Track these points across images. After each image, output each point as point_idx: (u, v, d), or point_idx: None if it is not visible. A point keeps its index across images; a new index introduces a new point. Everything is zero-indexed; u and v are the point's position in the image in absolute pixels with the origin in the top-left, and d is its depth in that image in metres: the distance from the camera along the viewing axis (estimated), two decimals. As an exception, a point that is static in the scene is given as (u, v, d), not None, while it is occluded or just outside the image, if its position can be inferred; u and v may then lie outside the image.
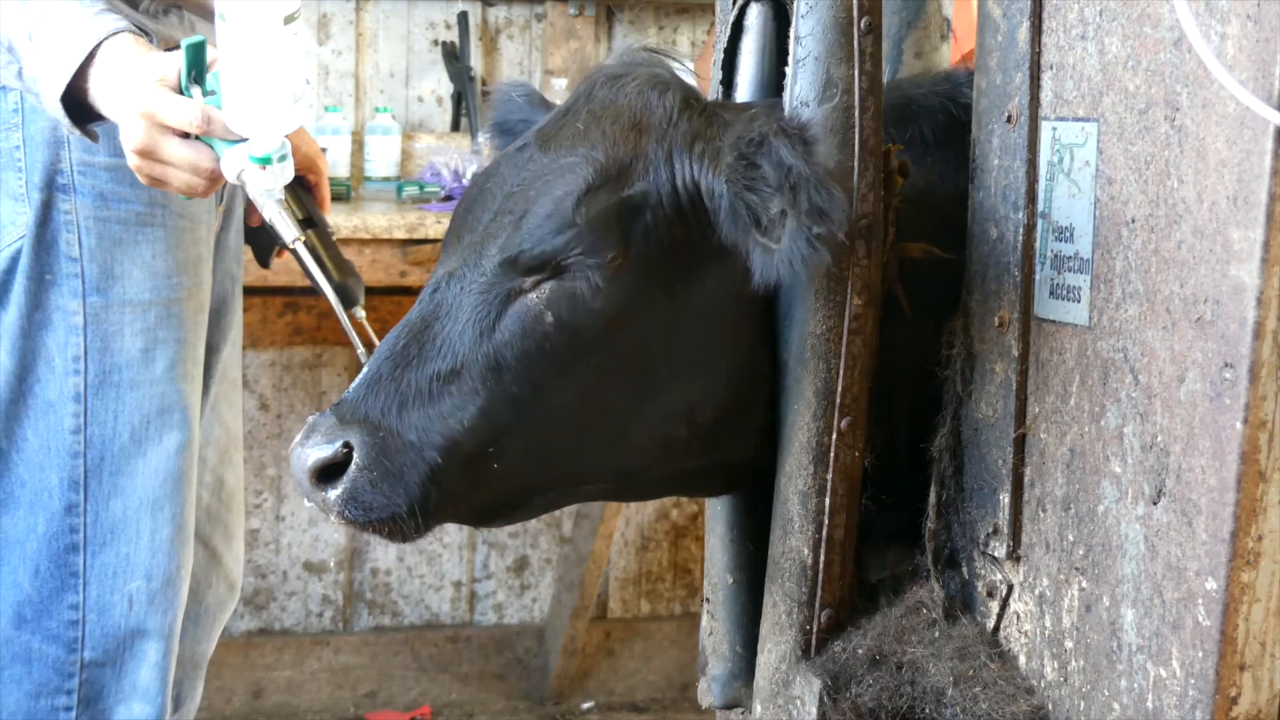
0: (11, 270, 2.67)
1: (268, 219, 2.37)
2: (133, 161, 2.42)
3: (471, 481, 1.78)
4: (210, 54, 2.32)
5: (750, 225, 1.75)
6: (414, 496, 1.74)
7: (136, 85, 2.37)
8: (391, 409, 1.75)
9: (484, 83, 4.95)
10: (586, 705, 4.94)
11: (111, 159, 2.60)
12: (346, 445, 1.73)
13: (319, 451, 1.73)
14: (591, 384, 1.79)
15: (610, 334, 1.78)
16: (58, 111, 2.46)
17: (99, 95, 2.43)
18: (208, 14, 2.81)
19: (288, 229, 2.39)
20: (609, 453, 1.84)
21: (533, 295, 1.78)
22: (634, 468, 1.87)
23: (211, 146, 2.33)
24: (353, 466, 1.73)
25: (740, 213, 1.76)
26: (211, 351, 3.01)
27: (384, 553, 4.90)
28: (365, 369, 1.80)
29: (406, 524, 1.74)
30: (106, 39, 2.43)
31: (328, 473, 1.74)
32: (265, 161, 2.29)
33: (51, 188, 2.65)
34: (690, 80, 1.93)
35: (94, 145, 2.58)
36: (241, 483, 3.22)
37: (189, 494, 2.87)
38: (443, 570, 4.97)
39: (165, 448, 2.81)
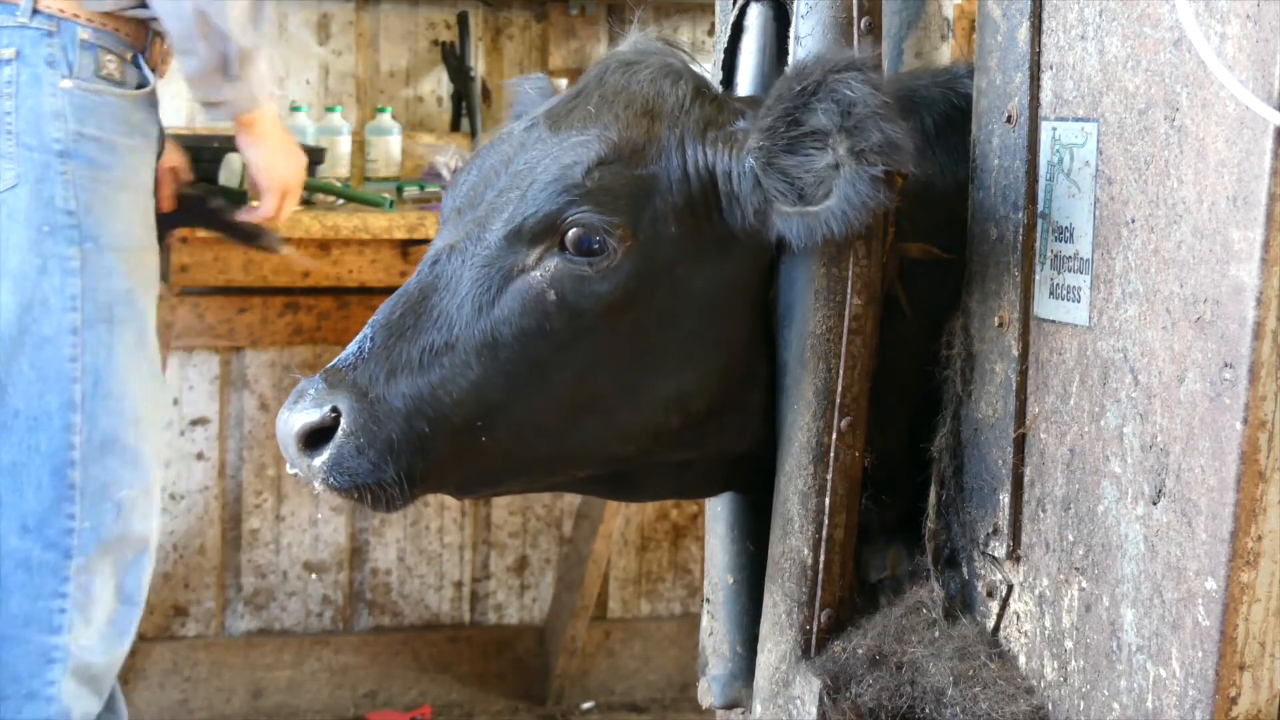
0: None
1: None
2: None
3: (458, 454, 1.76)
4: None
5: (778, 197, 1.75)
6: (401, 465, 1.71)
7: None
8: (380, 376, 1.73)
9: (484, 83, 4.95)
10: (586, 705, 4.95)
11: (98, 133, 3.17)
12: (334, 410, 1.70)
13: (306, 416, 1.71)
14: (587, 366, 1.78)
15: (610, 317, 1.78)
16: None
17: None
18: None
19: None
20: (599, 436, 1.83)
21: (536, 273, 1.77)
22: (624, 454, 1.86)
23: None
24: (339, 432, 1.70)
25: (768, 185, 1.76)
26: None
27: (384, 553, 4.90)
28: (359, 336, 1.78)
29: (391, 492, 1.72)
30: None
31: (314, 438, 1.71)
32: None
33: (49, 152, 3.13)
34: (701, 72, 1.93)
35: (86, 119, 3.16)
36: None
37: (159, 418, 3.37)
38: (443, 570, 4.97)
39: (142, 373, 3.28)
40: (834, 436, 1.82)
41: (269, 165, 3.50)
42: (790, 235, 1.75)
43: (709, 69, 2.04)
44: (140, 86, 3.29)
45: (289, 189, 3.56)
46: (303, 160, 3.61)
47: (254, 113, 3.39)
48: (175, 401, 4.66)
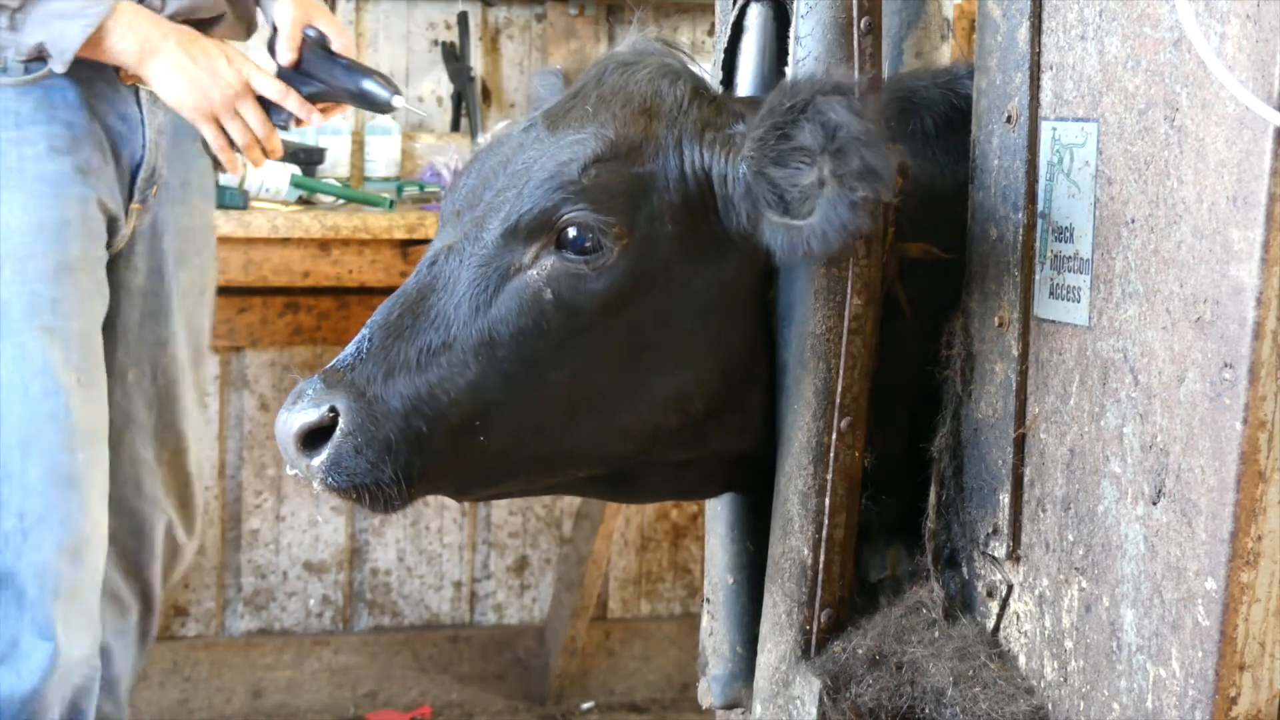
0: None
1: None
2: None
3: (456, 453, 1.76)
4: None
5: (767, 207, 1.75)
6: (398, 464, 1.71)
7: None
8: (378, 376, 1.73)
9: (484, 83, 4.95)
10: (586, 705, 4.94)
11: None
12: (333, 410, 1.71)
13: (304, 416, 1.71)
14: (584, 365, 1.78)
15: (607, 315, 1.77)
16: (67, 49, 2.83)
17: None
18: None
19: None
20: (598, 436, 1.83)
21: (533, 271, 1.76)
22: (623, 454, 1.86)
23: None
24: (337, 432, 1.70)
25: (758, 194, 1.76)
26: (158, 345, 3.25)
27: (384, 553, 4.90)
28: (357, 337, 1.77)
29: (389, 492, 1.72)
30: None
31: (313, 438, 1.71)
32: None
33: None
34: (700, 72, 1.93)
35: None
36: (202, 455, 3.50)
37: (60, 438, 2.98)
38: (443, 570, 4.97)
39: (31, 391, 2.94)
40: (834, 436, 1.82)
41: (178, 97, 2.97)
42: (776, 246, 1.75)
43: (709, 69, 2.04)
44: (30, 72, 2.94)
45: (215, 110, 2.98)
46: (224, 71, 2.97)
47: (101, 47, 2.88)
48: (175, 401, 4.66)
